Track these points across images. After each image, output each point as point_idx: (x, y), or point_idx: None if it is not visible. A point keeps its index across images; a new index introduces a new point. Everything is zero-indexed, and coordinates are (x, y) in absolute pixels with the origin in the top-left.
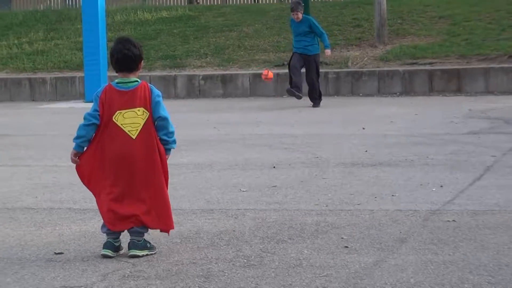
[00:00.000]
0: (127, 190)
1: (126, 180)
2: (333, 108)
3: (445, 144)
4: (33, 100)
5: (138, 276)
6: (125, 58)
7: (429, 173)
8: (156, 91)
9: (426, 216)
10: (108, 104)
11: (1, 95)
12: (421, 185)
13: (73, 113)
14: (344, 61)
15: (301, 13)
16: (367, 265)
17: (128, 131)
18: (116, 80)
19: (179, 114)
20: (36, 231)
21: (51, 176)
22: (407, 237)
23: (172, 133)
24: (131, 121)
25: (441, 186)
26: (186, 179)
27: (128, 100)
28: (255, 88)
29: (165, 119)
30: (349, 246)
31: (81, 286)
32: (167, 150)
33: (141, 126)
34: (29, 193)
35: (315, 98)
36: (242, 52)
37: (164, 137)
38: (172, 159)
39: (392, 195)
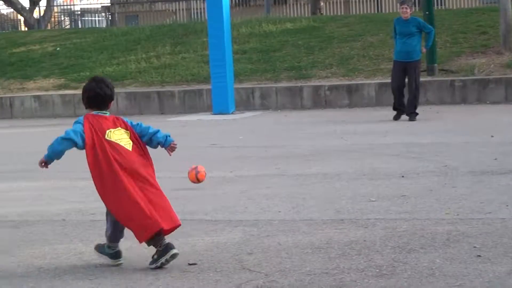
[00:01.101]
0: (147, 195)
1: (143, 185)
2: (460, 116)
3: None
4: (162, 113)
5: (271, 287)
6: (97, 96)
7: None
8: (125, 118)
9: None
10: (97, 127)
11: (131, 109)
12: None
13: (202, 126)
14: (470, 69)
15: (410, 9)
16: (501, 274)
17: (124, 144)
18: (93, 112)
19: (305, 125)
20: (169, 241)
21: (182, 188)
22: None
23: (158, 131)
24: (121, 137)
25: None
26: (315, 189)
27: (111, 122)
28: (381, 97)
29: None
30: (481, 255)
31: None
32: (168, 142)
33: (130, 141)
34: None
35: (412, 112)
36: (367, 62)
37: (160, 138)
38: (300, 169)
39: None
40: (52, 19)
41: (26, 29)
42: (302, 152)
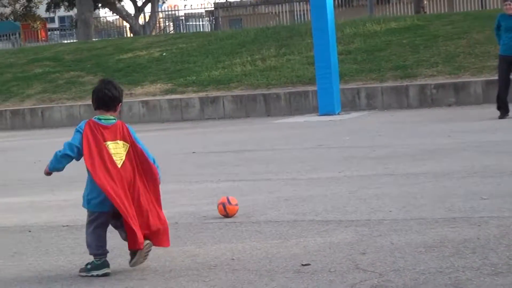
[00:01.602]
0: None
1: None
2: None
3: None
4: (268, 116)
5: (386, 286)
6: (104, 97)
7: None
8: (131, 128)
9: None
10: (95, 135)
11: (237, 112)
12: None
13: (308, 127)
14: None
15: None
16: None
17: (116, 160)
18: (97, 116)
19: (412, 124)
20: (281, 243)
21: (291, 189)
22: None
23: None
24: (116, 151)
25: None
26: (425, 188)
27: (111, 133)
28: (488, 95)
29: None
30: None
31: None
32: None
33: (124, 156)
34: (271, 206)
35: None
36: (473, 59)
37: None
38: (409, 169)
39: None
40: (157, 25)
41: (132, 35)
42: (410, 151)
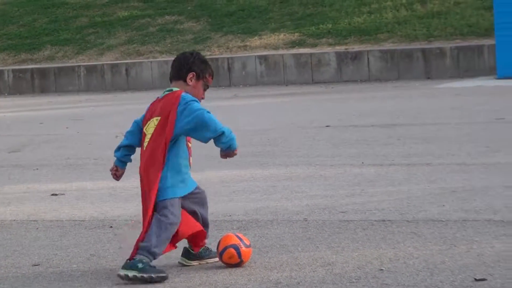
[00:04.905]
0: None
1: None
2: None
3: None
4: (427, 78)
5: None
6: (174, 61)
7: None
8: (188, 98)
9: None
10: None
11: (386, 72)
12: None
13: (482, 94)
14: None
15: None
16: None
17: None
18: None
19: None
20: (446, 250)
21: (460, 177)
22: None
23: (215, 131)
24: (148, 131)
25: None
26: None
27: (154, 109)
28: None
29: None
30: None
31: None
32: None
33: (150, 135)
34: (433, 201)
35: None
36: None
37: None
38: None
39: None
40: None
41: None
42: None
